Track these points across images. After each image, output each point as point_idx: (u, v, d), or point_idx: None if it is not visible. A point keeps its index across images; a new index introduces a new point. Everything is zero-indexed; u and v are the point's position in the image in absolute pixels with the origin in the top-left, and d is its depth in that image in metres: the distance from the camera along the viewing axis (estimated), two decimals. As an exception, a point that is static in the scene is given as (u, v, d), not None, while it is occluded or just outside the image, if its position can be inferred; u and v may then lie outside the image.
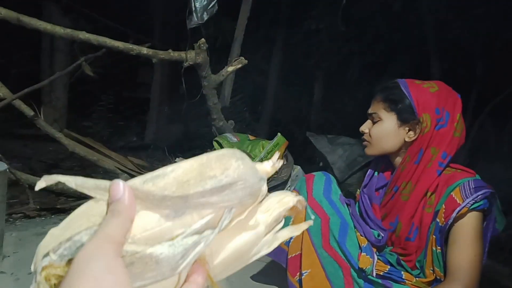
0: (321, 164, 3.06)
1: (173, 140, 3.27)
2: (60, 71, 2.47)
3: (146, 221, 0.32)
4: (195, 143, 3.03)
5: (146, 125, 3.83)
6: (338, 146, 3.10)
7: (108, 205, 0.31)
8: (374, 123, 1.28)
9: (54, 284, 0.29)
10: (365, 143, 1.32)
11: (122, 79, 4.35)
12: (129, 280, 0.28)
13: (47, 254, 0.31)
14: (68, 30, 1.92)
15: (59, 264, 0.30)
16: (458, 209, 1.10)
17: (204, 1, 2.19)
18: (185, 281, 0.33)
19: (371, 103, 1.31)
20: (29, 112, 2.02)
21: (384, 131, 1.25)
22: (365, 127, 1.32)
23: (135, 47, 1.98)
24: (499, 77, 3.31)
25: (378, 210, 1.34)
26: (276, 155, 0.42)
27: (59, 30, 1.91)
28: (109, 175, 2.33)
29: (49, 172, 2.48)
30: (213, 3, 2.22)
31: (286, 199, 0.41)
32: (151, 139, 3.71)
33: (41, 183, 0.31)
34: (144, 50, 2.00)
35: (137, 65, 4.07)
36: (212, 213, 0.34)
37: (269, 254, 1.44)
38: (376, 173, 1.40)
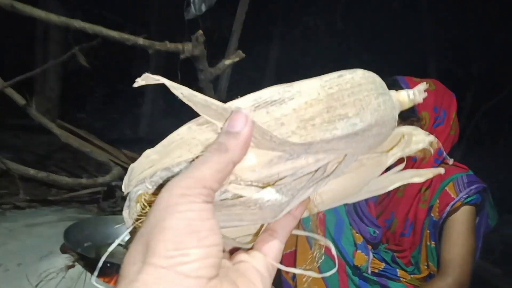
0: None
1: (167, 134, 3.24)
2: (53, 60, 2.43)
3: (256, 160, 0.27)
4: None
5: (140, 118, 3.79)
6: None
7: (219, 135, 0.26)
8: None
9: (146, 212, 0.27)
10: None
11: (117, 71, 4.31)
12: (216, 235, 0.24)
13: (142, 181, 0.28)
14: (63, 18, 1.87)
15: (152, 191, 0.28)
16: (452, 203, 1.13)
17: (202, -7, 2.16)
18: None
19: None
20: (21, 101, 1.99)
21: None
22: None
23: (131, 37, 1.94)
24: (496, 77, 3.32)
25: (373, 207, 1.35)
26: (422, 85, 0.33)
27: (53, 17, 1.87)
28: (103, 167, 2.30)
29: (41, 163, 2.44)
30: (211, -5, 2.19)
31: (416, 138, 0.33)
32: (145, 132, 3.68)
33: (141, 81, 0.27)
34: (140, 41, 1.96)
35: (133, 57, 4.03)
36: (330, 157, 0.28)
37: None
38: None
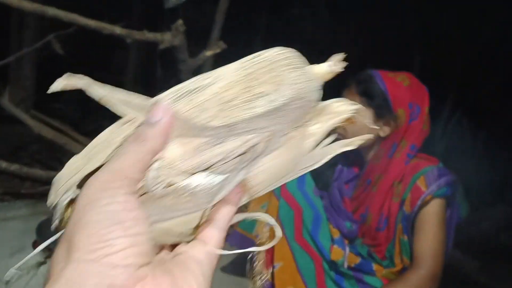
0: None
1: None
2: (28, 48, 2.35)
3: (182, 149, 0.27)
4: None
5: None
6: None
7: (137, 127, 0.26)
8: None
9: None
10: (339, 137, 1.28)
11: (96, 59, 4.20)
12: (145, 226, 0.24)
13: (69, 189, 0.27)
14: (36, 5, 1.80)
15: None
16: (422, 196, 1.14)
17: (183, -19, 2.10)
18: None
19: (343, 94, 1.28)
20: (-8, 90, 1.91)
21: (359, 126, 1.23)
22: None
23: (107, 26, 1.88)
24: (478, 73, 3.36)
25: (349, 203, 1.36)
26: (337, 55, 0.34)
27: (26, 4, 1.80)
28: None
29: (15, 155, 2.37)
30: (192, -17, 2.13)
31: (341, 108, 0.33)
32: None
33: (59, 84, 0.26)
34: (118, 30, 1.90)
35: (112, 46, 3.93)
36: (258, 136, 0.28)
37: (239, 246, 1.43)
38: (345, 167, 1.41)
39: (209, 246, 0.29)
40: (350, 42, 3.91)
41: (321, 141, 0.33)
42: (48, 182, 1.99)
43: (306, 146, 0.32)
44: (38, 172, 1.95)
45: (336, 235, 1.30)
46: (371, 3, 3.52)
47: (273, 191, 1.40)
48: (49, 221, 1.53)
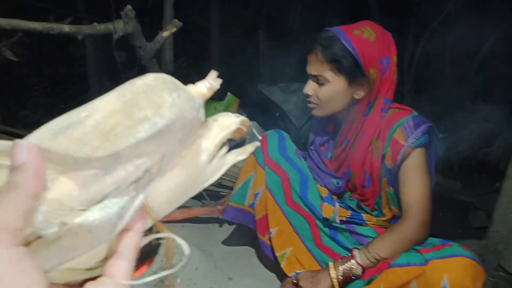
0: (277, 114, 3.06)
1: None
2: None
3: (70, 185, 0.26)
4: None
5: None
6: (291, 93, 3.10)
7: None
8: (319, 84, 1.22)
9: None
10: (312, 105, 1.27)
11: (53, 57, 4.02)
12: (34, 273, 0.24)
13: None
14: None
15: None
16: (402, 150, 1.15)
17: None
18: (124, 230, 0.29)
19: (309, 59, 1.24)
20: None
21: (333, 93, 1.21)
22: (310, 90, 1.24)
23: (54, 25, 1.79)
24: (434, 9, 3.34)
25: (329, 163, 1.37)
26: (213, 73, 0.36)
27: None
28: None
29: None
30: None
31: (228, 122, 0.35)
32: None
33: None
34: (66, 28, 1.81)
35: (68, 39, 3.74)
36: (148, 160, 0.29)
37: (234, 219, 1.47)
38: (319, 131, 1.40)
39: (118, 279, 0.28)
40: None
41: (216, 154, 0.34)
42: None
43: (201, 161, 0.33)
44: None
45: (325, 193, 1.34)
46: None
47: (257, 161, 1.43)
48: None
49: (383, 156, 1.21)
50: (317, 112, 1.27)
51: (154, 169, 0.29)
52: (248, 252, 1.61)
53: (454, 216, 2.22)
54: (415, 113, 1.21)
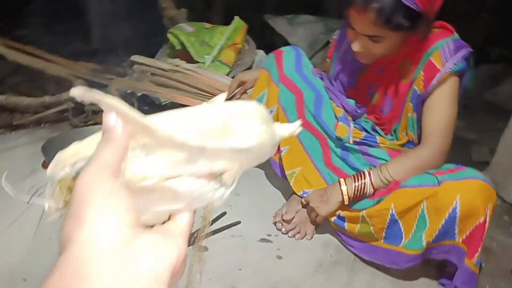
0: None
1: (123, 40, 3.02)
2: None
3: (162, 161, 0.31)
4: (149, 40, 2.81)
5: (91, 27, 3.47)
6: (298, 26, 2.99)
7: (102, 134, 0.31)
8: (373, 41, 1.08)
9: (66, 197, 0.32)
10: (362, 58, 1.17)
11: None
12: (133, 201, 0.29)
13: (65, 167, 0.32)
14: None
15: (71, 178, 0.32)
16: (438, 76, 1.09)
17: None
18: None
19: (356, 16, 1.05)
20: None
21: (392, 45, 1.09)
22: (363, 47, 1.11)
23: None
24: None
25: (353, 93, 1.33)
26: (298, 122, 0.41)
27: None
28: (63, 84, 2.16)
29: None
30: None
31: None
32: (99, 41, 3.40)
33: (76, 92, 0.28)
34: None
35: None
36: (223, 166, 0.34)
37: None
38: (348, 57, 1.30)
39: (181, 225, 0.33)
40: None
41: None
42: (37, 111, 1.95)
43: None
44: (24, 100, 1.89)
45: (340, 112, 1.31)
46: None
47: (271, 77, 1.39)
48: (50, 142, 1.53)
49: (413, 80, 1.14)
50: (367, 61, 1.18)
51: (228, 177, 0.35)
52: (257, 173, 1.63)
53: (455, 151, 2.24)
54: (456, 35, 1.12)
